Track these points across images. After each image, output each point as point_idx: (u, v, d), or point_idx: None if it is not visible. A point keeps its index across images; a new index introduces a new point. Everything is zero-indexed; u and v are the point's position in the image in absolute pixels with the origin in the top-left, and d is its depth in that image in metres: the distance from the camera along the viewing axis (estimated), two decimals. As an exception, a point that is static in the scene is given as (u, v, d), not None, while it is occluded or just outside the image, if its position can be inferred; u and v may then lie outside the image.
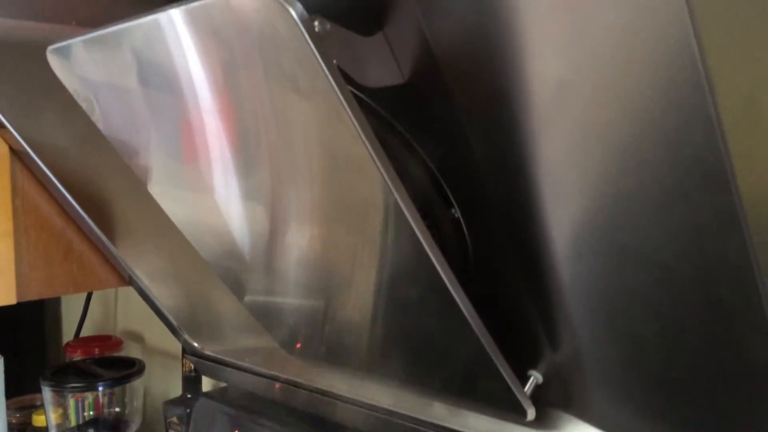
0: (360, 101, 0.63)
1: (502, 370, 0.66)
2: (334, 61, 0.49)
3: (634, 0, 0.39)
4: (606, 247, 0.53)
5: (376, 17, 0.56)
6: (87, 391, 1.34)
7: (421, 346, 0.74)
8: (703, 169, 0.42)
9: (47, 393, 1.35)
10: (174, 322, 1.22)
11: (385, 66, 0.59)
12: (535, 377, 0.72)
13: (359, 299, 0.74)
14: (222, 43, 0.54)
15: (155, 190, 0.80)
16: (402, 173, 0.56)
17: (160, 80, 0.63)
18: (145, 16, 0.56)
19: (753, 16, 0.35)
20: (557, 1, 0.42)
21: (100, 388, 1.34)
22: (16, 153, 1.05)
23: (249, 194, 0.69)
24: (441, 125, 0.60)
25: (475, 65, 0.51)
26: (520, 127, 0.52)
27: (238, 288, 0.87)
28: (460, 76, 0.53)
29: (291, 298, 0.83)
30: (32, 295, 1.10)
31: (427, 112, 0.61)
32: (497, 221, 0.63)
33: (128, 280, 1.20)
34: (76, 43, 0.65)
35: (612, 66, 0.43)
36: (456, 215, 0.66)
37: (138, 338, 1.64)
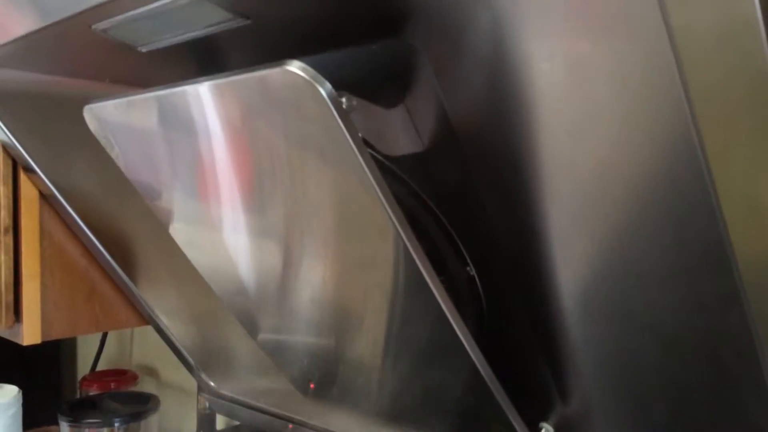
0: (381, 164, 0.66)
1: (513, 421, 0.68)
2: (360, 134, 0.51)
3: (640, 95, 0.42)
4: (614, 311, 0.55)
5: (398, 91, 0.59)
6: (104, 426, 1.36)
7: (432, 394, 0.76)
8: (704, 250, 0.44)
9: (65, 428, 1.37)
10: (191, 361, 1.25)
11: (406, 135, 0.62)
12: (546, 429, 0.73)
13: (372, 346, 0.76)
14: (248, 113, 0.57)
15: (176, 232, 0.83)
16: (419, 232, 0.58)
17: (186, 138, 0.66)
18: (177, 86, 0.59)
19: (752, 114, 0.38)
20: (571, 90, 0.45)
21: (116, 424, 1.37)
22: (44, 197, 1.08)
23: (265, 241, 0.72)
24: (458, 189, 0.63)
25: (490, 138, 0.54)
26: (533, 196, 0.54)
27: (252, 326, 0.89)
28: (476, 146, 0.56)
29: (304, 338, 0.85)
30: (56, 335, 1.12)
31: (445, 176, 0.63)
32: (511, 280, 0.65)
33: (148, 319, 1.22)
34: (111, 104, 0.69)
35: (618, 151, 0.45)
36: (471, 273, 0.69)
37: (153, 373, 1.66)
